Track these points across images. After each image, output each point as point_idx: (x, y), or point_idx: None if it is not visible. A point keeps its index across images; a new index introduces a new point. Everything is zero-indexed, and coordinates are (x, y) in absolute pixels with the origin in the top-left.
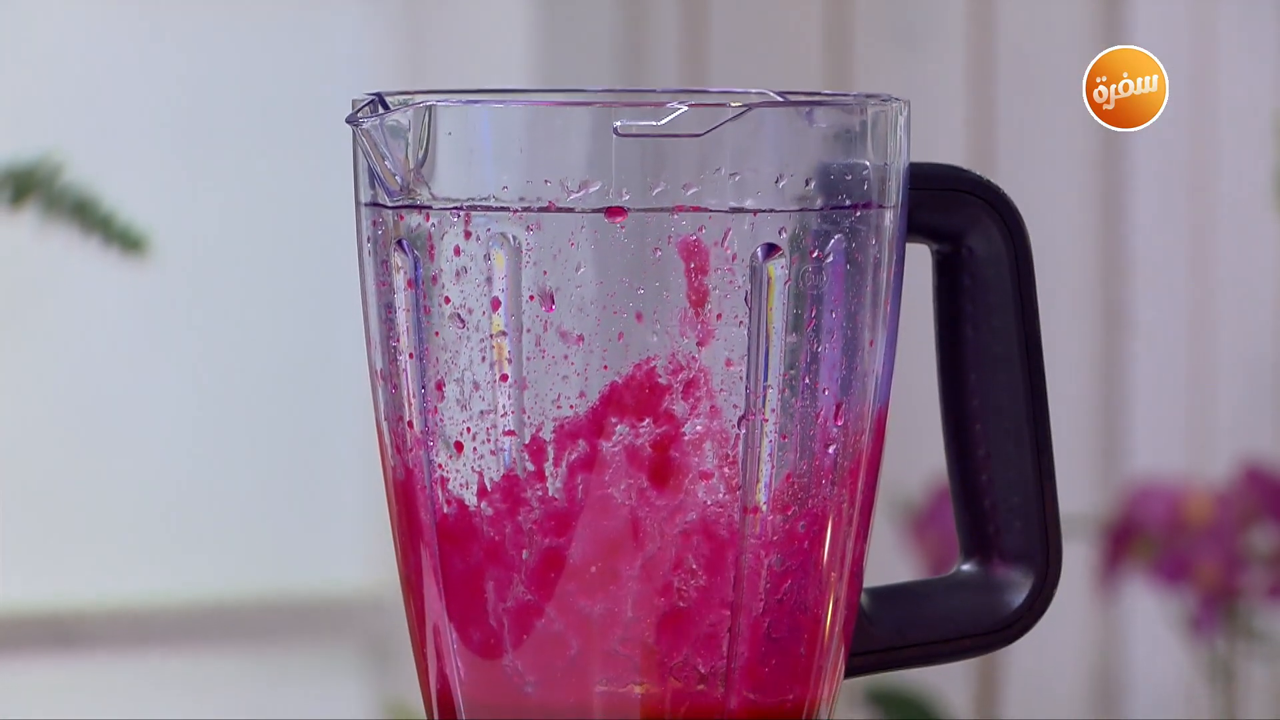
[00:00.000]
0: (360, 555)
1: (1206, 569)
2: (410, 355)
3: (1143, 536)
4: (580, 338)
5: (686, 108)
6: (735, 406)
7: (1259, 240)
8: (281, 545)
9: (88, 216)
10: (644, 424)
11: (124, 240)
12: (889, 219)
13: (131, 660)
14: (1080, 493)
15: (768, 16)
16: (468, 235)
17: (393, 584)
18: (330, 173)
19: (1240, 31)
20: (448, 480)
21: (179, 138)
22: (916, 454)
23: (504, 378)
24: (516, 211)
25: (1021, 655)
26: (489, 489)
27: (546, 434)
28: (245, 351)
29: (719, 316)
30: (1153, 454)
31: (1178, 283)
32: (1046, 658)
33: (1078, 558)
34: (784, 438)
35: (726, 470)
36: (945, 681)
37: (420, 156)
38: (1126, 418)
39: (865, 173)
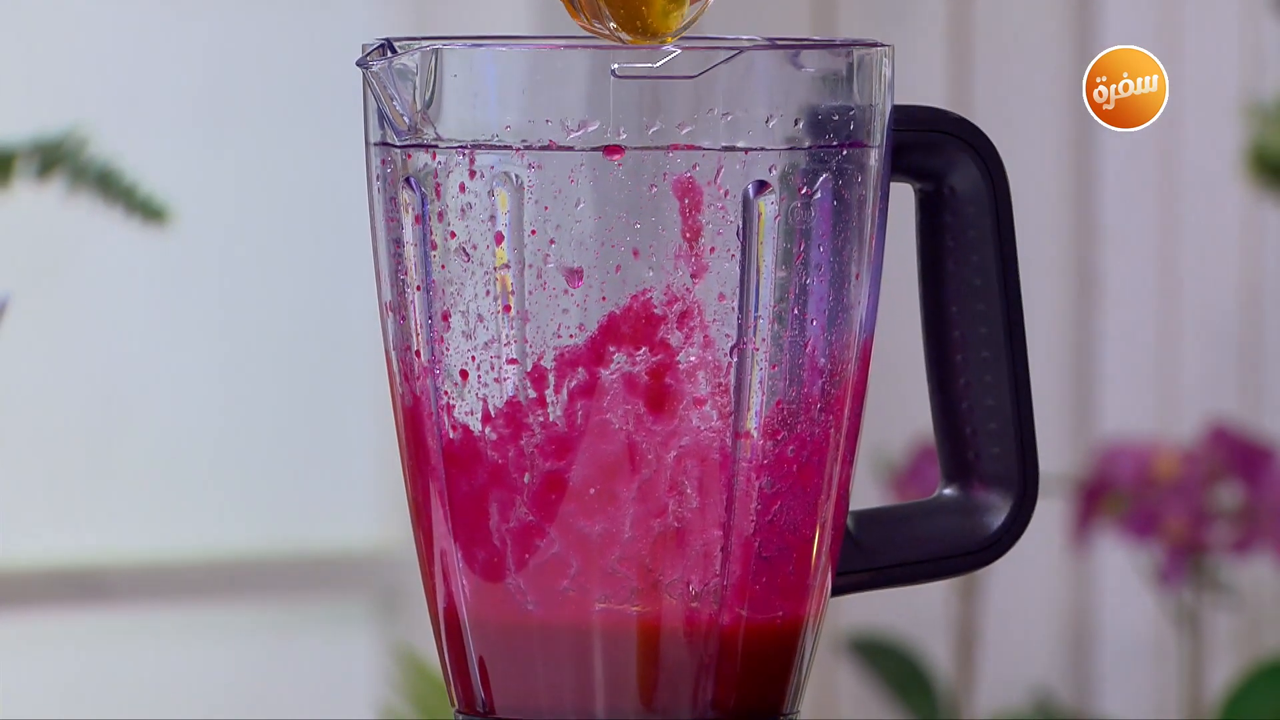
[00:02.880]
0: (372, 512)
1: (1174, 524)
2: (418, 288)
3: (1113, 493)
4: (580, 271)
5: (681, 51)
6: (727, 336)
7: (1224, 209)
8: (297, 502)
9: (111, 187)
10: (640, 353)
11: (145, 210)
12: (874, 158)
13: (153, 611)
14: (1053, 452)
15: None
16: (472, 173)
17: (402, 539)
18: (346, 142)
19: (1206, 8)
20: (453, 407)
21: (199, 110)
22: (898, 417)
23: (507, 309)
24: (518, 150)
25: (998, 605)
26: (493, 415)
27: (548, 363)
28: (261, 315)
29: (712, 251)
30: (1123, 415)
31: (1147, 250)
32: (1022, 608)
33: (1051, 514)
34: (774, 367)
35: (719, 397)
36: (925, 630)
37: (427, 98)
38: (1098, 380)
39: (851, 114)
